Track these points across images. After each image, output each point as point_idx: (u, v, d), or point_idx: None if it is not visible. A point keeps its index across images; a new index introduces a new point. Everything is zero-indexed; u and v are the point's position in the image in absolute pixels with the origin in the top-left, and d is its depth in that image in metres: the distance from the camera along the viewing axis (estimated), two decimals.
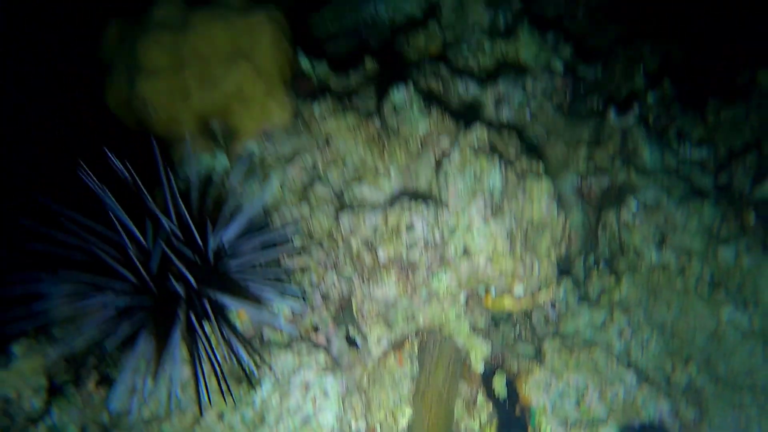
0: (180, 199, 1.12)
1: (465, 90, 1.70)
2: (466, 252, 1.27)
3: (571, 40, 2.11)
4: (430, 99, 1.42)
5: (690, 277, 1.58)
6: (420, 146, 1.37)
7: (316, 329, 1.23)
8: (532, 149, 1.70)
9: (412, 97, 1.34)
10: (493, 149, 1.41)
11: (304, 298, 1.20)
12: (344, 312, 1.26)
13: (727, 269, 1.56)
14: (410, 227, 1.23)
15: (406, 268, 1.23)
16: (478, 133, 1.33)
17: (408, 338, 1.32)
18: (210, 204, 1.25)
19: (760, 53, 2.38)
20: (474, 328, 1.36)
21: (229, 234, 1.14)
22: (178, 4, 1.33)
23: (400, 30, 2.01)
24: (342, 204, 1.32)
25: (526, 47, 1.97)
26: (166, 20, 1.30)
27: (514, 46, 1.98)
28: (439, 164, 1.35)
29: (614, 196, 1.80)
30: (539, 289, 1.32)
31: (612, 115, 1.86)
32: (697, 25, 2.97)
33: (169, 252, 1.00)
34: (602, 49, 2.48)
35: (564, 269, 1.76)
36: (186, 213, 1.10)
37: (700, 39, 2.93)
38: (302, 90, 1.50)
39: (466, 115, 1.71)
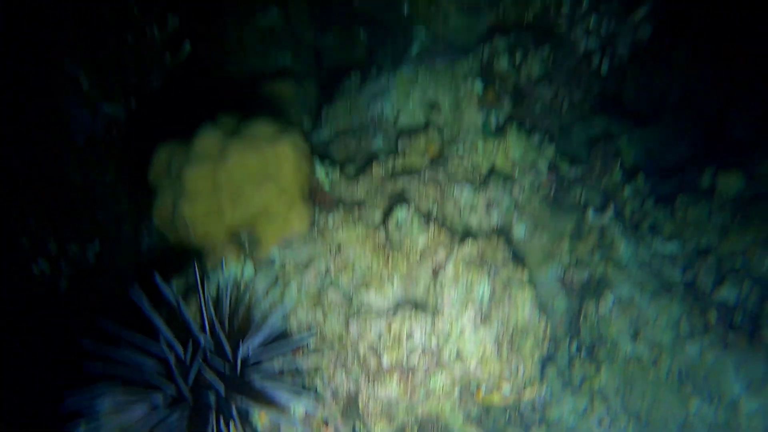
0: (213, 313, 1.27)
1: (460, 193, 1.87)
2: (459, 356, 1.41)
3: (553, 141, 2.30)
4: (429, 216, 1.59)
5: (661, 369, 1.71)
6: (419, 257, 1.53)
7: (326, 423, 1.36)
8: (518, 255, 1.85)
9: (412, 216, 1.51)
10: (483, 257, 1.57)
11: (316, 399, 1.34)
12: (351, 408, 1.39)
13: (693, 364, 1.69)
14: (410, 335, 1.37)
15: (407, 371, 1.37)
16: (469, 248, 1.50)
17: (408, 426, 1.45)
18: (240, 310, 1.40)
19: (724, 155, 2.58)
20: (468, 417, 1.49)
21: (254, 342, 1.29)
22: (218, 136, 1.52)
23: (404, 131, 2.21)
24: (351, 308, 1.47)
25: (514, 148, 2.16)
26: (208, 151, 1.48)
27: (504, 145, 2.17)
28: (436, 273, 1.51)
29: (593, 288, 1.95)
30: (524, 387, 1.45)
31: (590, 213, 2.02)
32: (670, 120, 3.19)
33: (204, 369, 1.14)
34: (584, 141, 2.68)
35: (550, 355, 1.89)
36: (218, 327, 1.25)
37: (673, 133, 3.15)
38: (318, 200, 1.68)
39: (461, 214, 1.88)
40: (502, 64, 2.22)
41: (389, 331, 1.38)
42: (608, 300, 1.83)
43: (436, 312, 1.43)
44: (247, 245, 1.53)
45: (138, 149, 2.39)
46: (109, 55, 2.37)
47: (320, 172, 1.75)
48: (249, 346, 1.27)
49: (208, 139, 1.51)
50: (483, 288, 1.46)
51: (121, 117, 2.36)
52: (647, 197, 2.25)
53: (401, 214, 1.51)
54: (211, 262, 1.51)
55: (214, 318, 1.28)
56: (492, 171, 2.08)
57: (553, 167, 2.20)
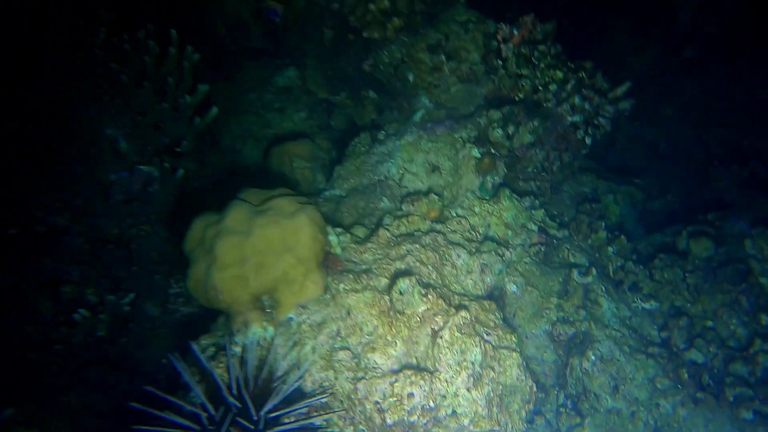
0: (239, 373, 1.42)
1: (457, 257, 2.02)
2: (454, 413, 1.55)
3: (543, 203, 2.46)
4: (428, 285, 1.75)
5: (639, 423, 1.83)
6: (420, 322, 1.67)
7: None
8: (508, 317, 2.00)
9: (413, 287, 1.66)
10: (476, 322, 1.72)
11: None
12: None
13: (667, 418, 1.81)
14: (411, 395, 1.51)
15: (408, 429, 1.50)
16: (463, 316, 1.64)
17: None
18: (263, 369, 1.55)
19: (705, 211, 2.71)
20: None
21: (276, 402, 1.44)
22: (245, 212, 1.69)
23: (408, 194, 2.37)
24: (359, 368, 1.61)
25: (507, 211, 2.32)
26: (236, 226, 1.65)
27: (498, 208, 2.33)
28: (434, 336, 1.65)
29: (579, 343, 2.08)
30: None
31: (576, 275, 2.17)
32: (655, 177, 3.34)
33: (233, 426, 1.29)
34: (574, 199, 2.84)
35: (540, 405, 2.02)
36: (243, 388, 1.40)
37: (658, 189, 3.30)
38: (331, 265, 1.83)
39: (458, 277, 2.03)
40: (497, 134, 2.39)
41: (392, 391, 1.52)
42: (591, 357, 1.97)
43: (434, 374, 1.58)
44: (268, 309, 1.68)
45: (170, 205, 2.58)
46: (146, 121, 2.58)
47: (333, 237, 1.91)
48: (271, 404, 1.42)
49: (236, 216, 1.68)
50: (475, 353, 1.60)
51: (155, 176, 2.55)
52: (629, 257, 2.39)
53: (403, 284, 1.67)
54: (236, 324, 1.66)
55: (240, 378, 1.43)
56: (487, 233, 2.24)
57: (542, 228, 2.35)
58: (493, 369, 1.61)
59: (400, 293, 1.68)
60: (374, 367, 1.60)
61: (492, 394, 1.59)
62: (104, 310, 2.21)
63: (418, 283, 1.69)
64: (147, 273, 2.40)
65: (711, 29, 4.52)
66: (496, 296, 2.14)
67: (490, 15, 2.82)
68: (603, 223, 2.46)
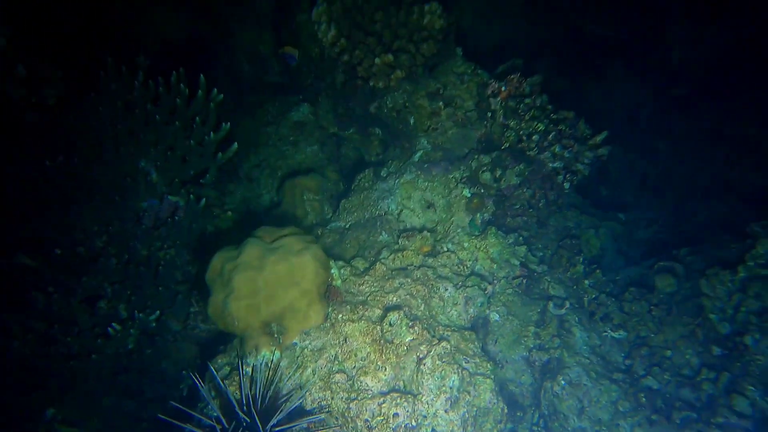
0: (249, 391, 1.62)
1: (444, 290, 2.21)
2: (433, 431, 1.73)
3: (526, 241, 2.63)
4: (415, 318, 1.94)
5: None
6: (407, 350, 1.86)
7: None
8: (486, 347, 2.17)
9: (402, 319, 1.86)
10: (457, 350, 1.90)
11: None
12: None
13: None
14: (396, 415, 1.70)
15: None
16: (444, 346, 1.83)
17: None
18: (270, 387, 1.76)
19: (682, 246, 2.86)
20: None
21: (280, 417, 1.64)
22: (259, 249, 1.90)
23: (405, 230, 2.57)
24: (353, 388, 1.80)
25: (493, 246, 2.50)
26: (251, 262, 1.86)
27: (485, 243, 2.51)
28: (419, 363, 1.84)
29: (552, 368, 2.25)
30: None
31: (551, 306, 2.34)
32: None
33: None
34: (557, 234, 3.00)
35: (516, 424, 2.19)
36: (251, 404, 1.60)
37: (636, 225, 3.44)
38: (332, 296, 2.03)
39: (444, 308, 2.21)
40: (486, 177, 2.58)
41: (380, 411, 1.71)
42: (561, 382, 2.14)
43: (417, 396, 1.76)
44: (276, 334, 1.89)
45: (193, 231, 2.81)
46: (175, 155, 2.82)
47: (335, 271, 2.12)
48: (275, 420, 1.62)
49: (251, 252, 1.89)
50: (453, 379, 1.78)
51: (181, 205, 2.78)
52: (603, 289, 2.56)
53: (393, 317, 1.86)
54: (248, 347, 1.87)
55: (250, 395, 1.63)
56: (474, 267, 2.42)
57: (524, 264, 2.52)
58: (469, 393, 1.80)
59: (390, 325, 1.87)
60: (366, 389, 1.79)
61: (467, 415, 1.77)
62: (134, 325, 2.43)
63: (406, 316, 1.88)
64: (171, 292, 2.62)
65: (701, 69, 4.66)
66: (479, 325, 2.32)
67: (488, 62, 3.02)
68: (581, 258, 2.62)
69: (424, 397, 1.76)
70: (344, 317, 1.93)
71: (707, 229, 3.27)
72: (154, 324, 2.47)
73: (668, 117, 4.66)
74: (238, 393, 1.69)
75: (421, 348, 1.86)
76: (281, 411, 1.63)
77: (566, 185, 2.54)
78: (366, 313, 1.97)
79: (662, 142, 4.68)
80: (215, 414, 1.55)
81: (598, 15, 4.49)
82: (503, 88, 2.51)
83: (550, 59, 4.40)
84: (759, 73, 4.14)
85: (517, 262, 2.51)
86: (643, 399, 2.02)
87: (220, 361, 1.90)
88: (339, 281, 2.09)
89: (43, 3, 2.93)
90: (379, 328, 1.91)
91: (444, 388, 1.77)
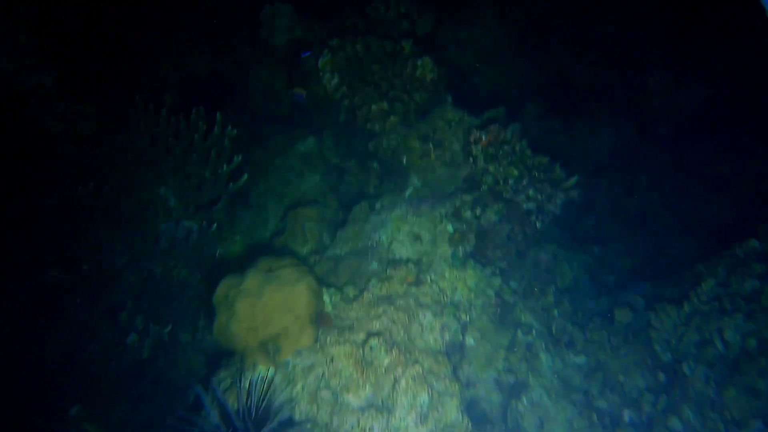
0: (245, 402, 1.84)
1: (424, 317, 2.42)
2: None
3: (503, 273, 2.83)
4: (393, 343, 2.15)
5: None
6: (385, 371, 2.07)
7: None
8: (457, 370, 2.37)
9: (381, 345, 2.07)
10: (429, 372, 2.11)
11: None
12: None
13: None
14: (372, 428, 1.91)
15: None
16: (417, 368, 2.04)
17: None
18: (265, 400, 1.97)
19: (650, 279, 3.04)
20: None
21: (271, 426, 1.85)
22: (259, 279, 2.13)
23: (393, 260, 2.79)
24: (336, 403, 2.01)
25: (471, 278, 2.71)
26: (251, 290, 2.09)
27: (464, 275, 2.72)
28: (395, 383, 2.05)
29: (518, 389, 2.45)
30: None
31: (520, 333, 2.54)
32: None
33: None
34: (533, 265, 3.20)
35: None
36: (246, 415, 1.82)
37: (611, 257, 3.63)
38: (323, 322, 2.25)
39: (423, 334, 2.42)
40: (467, 214, 2.79)
41: (358, 423, 1.92)
42: (524, 401, 2.33)
43: (391, 412, 1.97)
44: (271, 353, 2.11)
45: (204, 253, 3.05)
46: (191, 183, 3.07)
47: (326, 298, 2.34)
48: (267, 429, 1.83)
49: (252, 281, 2.12)
50: (424, 397, 1.99)
51: (194, 229, 3.03)
52: (570, 318, 2.75)
53: (374, 342, 2.07)
54: (247, 363, 2.09)
55: (246, 405, 1.85)
56: (453, 296, 2.63)
57: (498, 293, 2.73)
58: (437, 410, 2.00)
59: (371, 349, 2.08)
60: (347, 404, 2.00)
61: (435, 429, 1.97)
62: (149, 336, 2.66)
63: (385, 341, 2.09)
64: (182, 307, 2.85)
65: (681, 113, 4.85)
66: (456, 349, 2.52)
67: (482, 103, 3.24)
68: (552, 288, 2.82)
69: (397, 413, 1.96)
70: (332, 340, 2.15)
71: (676, 263, 3.45)
72: (166, 336, 2.70)
73: (651, 153, 4.85)
74: (236, 404, 1.90)
75: (398, 369, 2.06)
76: (273, 421, 1.84)
77: (538, 224, 2.75)
78: (351, 337, 2.18)
79: (645, 177, 4.86)
80: (215, 422, 1.77)
81: (586, 60, 4.71)
82: (483, 137, 2.74)
83: (542, 99, 4.62)
84: (734, 119, 4.33)
85: (492, 293, 2.71)
86: (595, 418, 2.21)
87: (222, 374, 2.12)
88: (330, 308, 2.31)
89: (82, 45, 3.22)
90: (361, 351, 2.12)
91: (415, 406, 1.97)
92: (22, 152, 2.84)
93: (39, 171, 2.83)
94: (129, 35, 3.48)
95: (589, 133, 4.94)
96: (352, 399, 2.02)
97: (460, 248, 2.86)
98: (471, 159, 2.83)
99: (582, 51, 4.57)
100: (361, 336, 2.21)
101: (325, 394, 2.03)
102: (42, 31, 2.98)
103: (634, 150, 4.89)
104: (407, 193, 3.08)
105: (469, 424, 2.07)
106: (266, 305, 2.08)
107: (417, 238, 2.92)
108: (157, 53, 3.64)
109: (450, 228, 2.85)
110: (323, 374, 2.08)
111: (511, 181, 2.69)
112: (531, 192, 2.71)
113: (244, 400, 1.87)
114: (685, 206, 4.52)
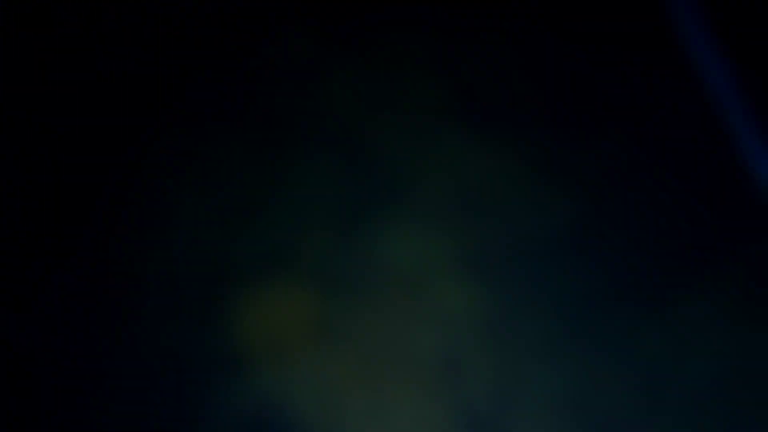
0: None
1: (420, 328, 2.46)
2: None
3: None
4: (389, 354, 2.19)
5: None
6: (381, 382, 2.11)
7: None
8: None
9: (378, 355, 2.11)
10: (426, 383, 2.14)
11: None
12: None
13: None
14: None
15: None
16: (413, 380, 2.08)
17: None
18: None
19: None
20: None
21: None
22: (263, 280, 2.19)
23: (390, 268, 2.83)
24: (334, 410, 2.05)
25: (467, 288, 2.74)
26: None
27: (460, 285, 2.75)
28: (390, 393, 2.08)
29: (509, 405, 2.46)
30: None
31: (514, 348, 2.56)
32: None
33: None
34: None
35: None
36: None
37: None
38: (321, 329, 2.30)
39: (419, 344, 2.45)
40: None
41: None
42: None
43: (387, 421, 2.00)
44: (272, 358, 2.15)
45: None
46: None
47: (325, 303, 2.38)
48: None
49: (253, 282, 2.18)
50: (418, 408, 2.02)
51: None
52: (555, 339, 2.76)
53: (371, 353, 2.12)
54: (249, 367, 2.13)
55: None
56: (449, 308, 2.67)
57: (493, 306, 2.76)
58: (431, 420, 2.03)
59: (369, 359, 2.12)
60: (345, 412, 2.04)
61: None
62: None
63: (382, 352, 2.13)
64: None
65: None
66: (452, 362, 2.54)
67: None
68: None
69: (393, 422, 1.99)
70: (330, 348, 2.19)
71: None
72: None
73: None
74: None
75: (394, 380, 2.10)
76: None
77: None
78: (349, 345, 2.22)
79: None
80: None
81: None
82: None
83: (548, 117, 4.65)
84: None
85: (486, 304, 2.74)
86: None
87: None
88: (328, 314, 2.36)
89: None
90: (359, 361, 2.16)
91: (409, 416, 2.00)
92: None
93: None
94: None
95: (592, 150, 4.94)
96: (350, 407, 2.05)
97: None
98: None
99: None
100: (359, 345, 2.25)
101: (322, 401, 2.06)
102: None
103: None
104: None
105: None
106: (268, 308, 2.13)
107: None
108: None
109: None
110: (321, 381, 2.12)
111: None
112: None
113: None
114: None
